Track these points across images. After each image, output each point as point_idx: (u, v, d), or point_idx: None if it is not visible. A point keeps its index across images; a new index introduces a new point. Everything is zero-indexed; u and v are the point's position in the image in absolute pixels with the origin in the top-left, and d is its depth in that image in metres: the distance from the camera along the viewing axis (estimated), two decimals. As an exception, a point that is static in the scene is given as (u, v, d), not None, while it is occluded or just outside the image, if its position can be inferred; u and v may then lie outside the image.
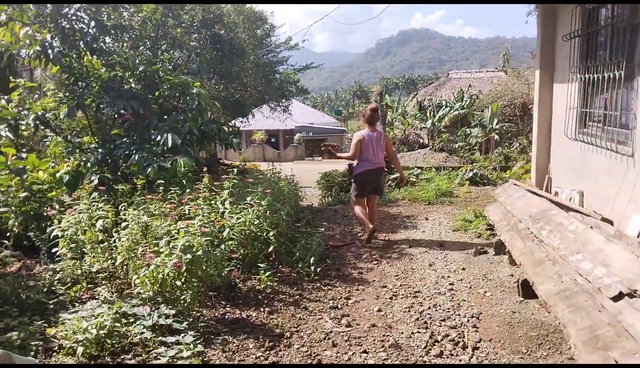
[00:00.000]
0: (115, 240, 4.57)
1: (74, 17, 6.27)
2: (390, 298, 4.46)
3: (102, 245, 4.57)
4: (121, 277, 4.59)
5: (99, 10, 6.60)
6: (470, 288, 4.60)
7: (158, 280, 3.78)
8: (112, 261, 4.65)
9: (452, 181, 10.99)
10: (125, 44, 7.50)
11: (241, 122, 14.45)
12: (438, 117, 22.81)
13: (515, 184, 6.85)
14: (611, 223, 4.30)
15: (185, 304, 3.83)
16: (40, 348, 3.30)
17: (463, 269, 5.13)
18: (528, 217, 5.23)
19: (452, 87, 29.84)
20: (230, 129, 7.56)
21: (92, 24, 6.51)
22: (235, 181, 5.41)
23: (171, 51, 8.24)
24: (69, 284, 4.43)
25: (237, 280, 4.64)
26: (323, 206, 9.16)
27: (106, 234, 4.64)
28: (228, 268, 4.18)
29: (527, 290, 4.04)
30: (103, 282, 4.54)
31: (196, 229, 4.15)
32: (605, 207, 4.78)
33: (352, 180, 6.42)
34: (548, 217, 4.81)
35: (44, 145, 7.33)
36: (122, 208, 4.84)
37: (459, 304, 4.23)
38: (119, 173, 6.17)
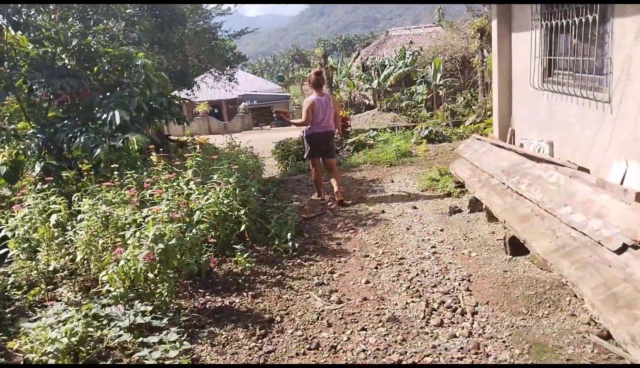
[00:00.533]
0: (72, 234, 4.13)
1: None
2: (375, 267, 4.31)
3: (57, 241, 4.10)
4: (83, 273, 4.17)
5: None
6: (453, 249, 4.53)
7: (130, 276, 3.41)
8: (72, 257, 4.21)
9: (409, 140, 10.95)
10: (52, 16, 6.71)
11: (186, 94, 13.67)
12: (383, 76, 22.74)
13: (478, 139, 6.84)
14: (587, 171, 4.31)
15: (162, 298, 3.50)
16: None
17: (441, 230, 5.06)
18: (500, 171, 5.20)
19: (393, 45, 29.73)
20: (180, 102, 7.03)
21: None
22: (199, 159, 5.00)
23: (104, 21, 7.47)
24: (25, 288, 3.98)
25: (212, 265, 4.33)
26: (284, 177, 8.86)
27: (61, 229, 4.17)
28: (206, 255, 3.86)
29: (515, 247, 4.00)
30: (63, 281, 4.11)
31: (165, 215, 3.78)
32: (579, 155, 4.80)
33: (305, 142, 6.61)
34: (523, 171, 4.79)
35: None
36: (76, 199, 4.36)
37: (446, 268, 4.14)
38: (62, 160, 5.59)
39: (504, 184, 4.92)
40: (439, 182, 6.78)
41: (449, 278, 3.92)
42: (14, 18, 5.82)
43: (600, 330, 2.82)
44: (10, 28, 5.74)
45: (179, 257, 3.63)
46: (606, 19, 4.18)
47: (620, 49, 4.02)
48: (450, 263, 4.23)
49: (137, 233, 3.62)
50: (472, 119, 12.07)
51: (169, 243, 3.49)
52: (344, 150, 10.89)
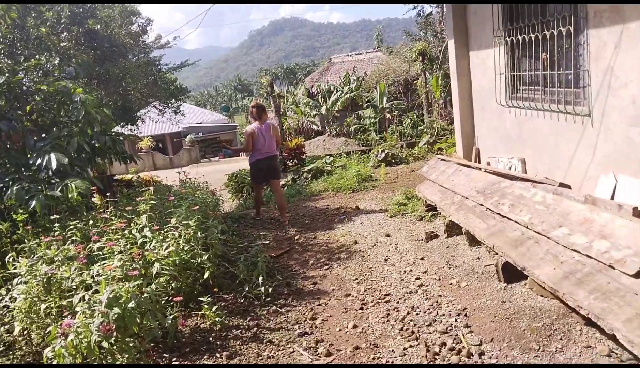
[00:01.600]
0: (8, 301, 3.50)
1: None
2: (360, 308, 3.93)
3: (-13, 312, 3.46)
4: (24, 347, 3.53)
5: None
6: (439, 279, 4.22)
7: (82, 350, 2.85)
8: (8, 329, 3.57)
9: (366, 164, 10.76)
10: (-25, 52, 6.03)
11: (130, 129, 12.93)
12: (331, 102, 22.71)
13: (442, 159, 6.68)
14: (569, 187, 4.16)
15: (122, 373, 2.95)
16: None
17: (422, 259, 4.76)
18: (475, 192, 5.00)
19: (337, 71, 30.02)
20: (125, 138, 6.46)
21: None
22: (153, 202, 4.47)
23: (37, 56, 6.82)
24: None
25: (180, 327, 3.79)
26: (241, 211, 8.36)
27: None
28: (172, 316, 3.34)
29: (509, 275, 3.74)
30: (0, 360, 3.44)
31: (119, 272, 3.25)
32: (558, 171, 4.68)
33: (250, 169, 7.21)
34: (501, 190, 4.59)
35: None
36: (11, 259, 3.72)
37: (437, 301, 3.81)
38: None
39: (481, 205, 4.70)
40: (407, 206, 6.53)
41: (443, 314, 3.59)
42: None
43: (623, 362, 2.56)
44: None
45: (139, 320, 3.10)
46: (579, 30, 4.10)
47: (598, 60, 3.93)
48: (440, 296, 3.91)
49: (87, 297, 3.07)
50: (426, 140, 12.09)
51: (127, 306, 2.97)
52: (302, 178, 10.54)
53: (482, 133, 6.42)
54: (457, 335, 3.28)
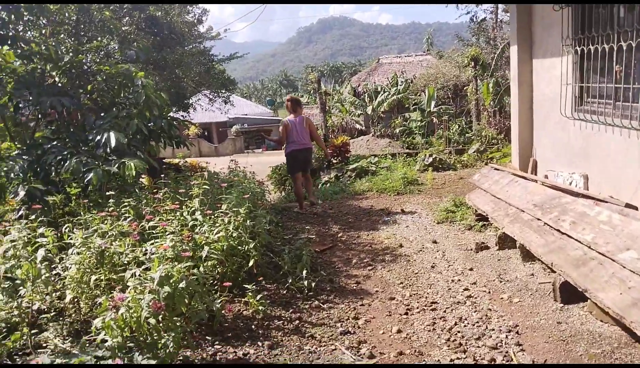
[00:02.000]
0: (61, 270, 3.60)
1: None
2: (405, 313, 3.83)
3: (44, 278, 3.55)
4: (72, 315, 3.63)
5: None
6: (489, 293, 4.07)
7: (131, 325, 2.88)
8: (60, 296, 3.67)
9: (412, 168, 10.59)
10: (44, 31, 6.24)
11: (182, 115, 13.21)
12: (377, 102, 22.54)
13: (496, 169, 6.47)
14: (636, 209, 3.92)
15: (168, 350, 2.96)
16: None
17: (471, 270, 4.61)
18: (532, 206, 4.80)
19: (384, 72, 29.81)
20: (179, 123, 6.56)
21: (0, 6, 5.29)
22: (207, 186, 4.51)
23: (99, 38, 7.02)
24: (5, 332, 3.41)
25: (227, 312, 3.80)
26: (284, 204, 8.37)
27: (48, 263, 3.63)
28: (219, 301, 3.34)
29: (567, 295, 3.56)
30: (49, 324, 3.54)
31: (171, 252, 3.27)
32: (623, 191, 4.42)
33: (286, 159, 7.48)
34: (562, 206, 4.39)
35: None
36: (67, 230, 3.82)
37: (486, 315, 3.67)
38: (50, 184, 5.06)
39: (539, 219, 4.51)
40: (456, 213, 6.36)
41: (493, 329, 3.45)
42: (1, 32, 5.35)
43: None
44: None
45: (187, 301, 3.11)
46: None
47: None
48: (490, 309, 3.76)
49: (139, 274, 3.11)
50: (476, 147, 11.79)
51: (178, 286, 2.98)
52: (346, 177, 10.48)
53: (541, 144, 6.16)
54: (507, 352, 3.14)
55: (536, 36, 6.02)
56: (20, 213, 4.45)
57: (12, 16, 5.44)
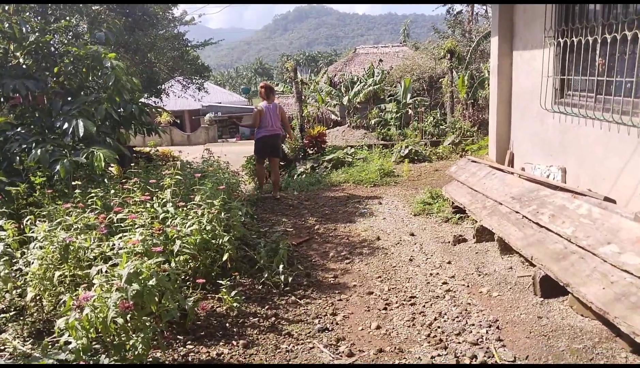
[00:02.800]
0: (22, 266, 3.38)
1: None
2: (384, 308, 3.75)
3: (2, 274, 3.33)
4: (35, 314, 3.42)
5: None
6: (468, 286, 4.03)
7: (97, 325, 2.71)
8: (21, 294, 3.46)
9: (388, 159, 10.54)
10: (6, 7, 5.88)
11: (154, 101, 12.80)
12: (353, 93, 22.41)
13: (473, 161, 6.45)
14: (614, 202, 3.92)
15: (137, 352, 2.81)
16: None
17: (449, 263, 4.56)
18: (510, 198, 4.78)
19: (361, 63, 29.67)
20: (152, 110, 6.32)
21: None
22: (179, 177, 4.32)
23: (67, 18, 6.67)
24: (-42, 334, 3.19)
25: (200, 311, 3.64)
26: (258, 194, 8.20)
27: (8, 258, 3.40)
28: (192, 298, 3.19)
29: (546, 289, 3.53)
30: (9, 324, 3.33)
31: (140, 247, 3.10)
32: (602, 184, 4.43)
33: (255, 144, 7.65)
34: (541, 199, 4.37)
35: None
36: (29, 222, 3.60)
37: (466, 310, 3.62)
38: (13, 173, 4.78)
39: (517, 212, 4.49)
40: (433, 205, 6.32)
41: (473, 324, 3.40)
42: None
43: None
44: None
45: (157, 300, 2.95)
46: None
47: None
48: (470, 304, 3.71)
49: (106, 270, 2.93)
50: (451, 139, 11.82)
51: (148, 283, 2.82)
52: (322, 168, 10.36)
53: (518, 137, 6.16)
54: (488, 348, 3.09)
55: (518, 28, 5.98)
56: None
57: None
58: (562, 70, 5.05)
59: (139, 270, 2.85)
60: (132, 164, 5.45)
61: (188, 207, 4.04)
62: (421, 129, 15.95)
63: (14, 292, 3.48)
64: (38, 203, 4.55)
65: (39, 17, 6.12)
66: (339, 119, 25.41)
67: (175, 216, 3.87)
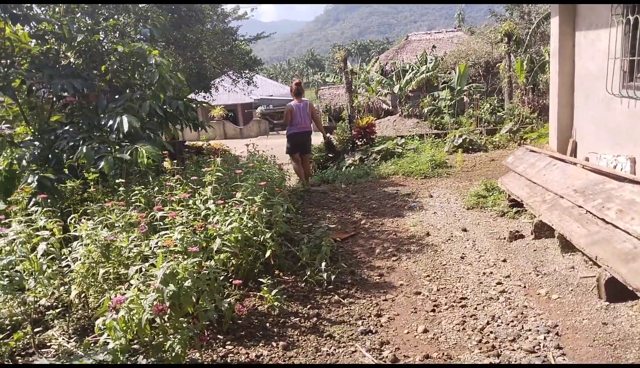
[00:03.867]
0: (69, 263, 3.43)
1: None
2: (432, 310, 3.54)
3: (48, 273, 3.40)
4: (80, 311, 3.47)
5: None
6: (525, 287, 3.73)
7: (132, 327, 2.68)
8: (65, 292, 3.52)
9: (440, 149, 10.15)
10: (57, 9, 6.06)
11: (203, 97, 13.01)
12: (405, 81, 21.89)
13: (531, 150, 6.03)
14: (694, 197, 3.49)
15: (174, 353, 2.76)
16: None
17: (504, 261, 4.26)
18: (573, 191, 4.40)
19: (413, 50, 28.88)
20: (197, 105, 6.34)
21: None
22: (219, 174, 4.27)
23: (115, 17, 6.80)
24: (9, 330, 3.28)
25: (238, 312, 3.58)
26: (306, 187, 8.11)
27: (52, 258, 3.47)
28: (229, 298, 3.12)
29: (612, 292, 3.20)
30: (55, 321, 3.40)
31: (178, 246, 3.06)
32: (679, 177, 3.98)
33: (287, 141, 7.87)
34: (607, 192, 3.98)
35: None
36: (73, 221, 3.65)
37: (522, 313, 3.34)
38: (64, 169, 4.93)
39: (580, 207, 4.11)
40: (487, 199, 5.97)
41: (529, 329, 3.13)
42: (13, 10, 5.18)
43: None
44: (9, 21, 5.11)
45: (195, 300, 2.90)
46: None
47: None
48: (526, 306, 3.43)
49: (144, 271, 2.91)
50: (509, 127, 11.21)
51: (184, 284, 2.76)
52: (370, 159, 10.13)
53: (582, 124, 5.68)
54: (546, 357, 2.82)
55: (580, 8, 5.49)
56: (32, 202, 4.31)
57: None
58: (631, 51, 4.57)
59: (175, 271, 2.80)
60: (177, 159, 5.49)
61: (229, 204, 3.97)
62: (477, 116, 15.32)
63: (61, 289, 3.56)
64: (92, 199, 4.66)
65: (88, 17, 6.26)
66: (391, 108, 24.96)
67: (216, 213, 3.81)
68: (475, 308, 3.49)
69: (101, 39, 5.68)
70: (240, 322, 3.44)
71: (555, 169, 5.05)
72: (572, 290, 3.56)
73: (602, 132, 5.18)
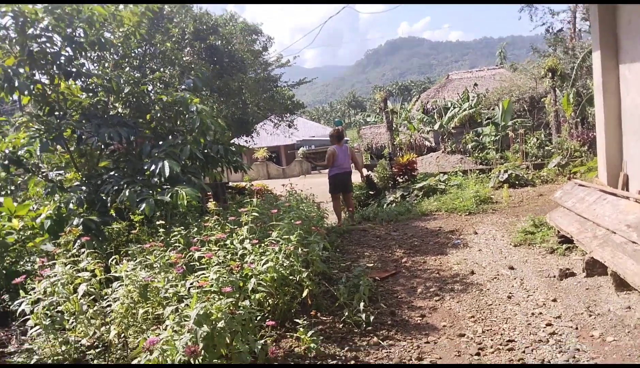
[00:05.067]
0: (106, 303, 3.50)
1: (43, 38, 5.26)
2: (477, 353, 3.34)
3: (90, 313, 3.48)
4: (119, 350, 3.51)
5: (73, 26, 5.59)
6: (577, 329, 3.48)
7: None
8: (107, 331, 3.57)
9: (485, 185, 9.89)
10: (107, 64, 6.47)
11: (245, 140, 13.38)
12: (447, 118, 21.73)
13: (581, 185, 5.77)
14: None
15: (207, 396, 2.72)
16: None
17: (554, 301, 4.01)
18: (625, 226, 4.14)
19: (454, 88, 28.82)
20: (240, 149, 6.51)
21: (65, 43, 5.51)
22: (256, 214, 4.30)
23: (161, 69, 7.18)
24: (51, 368, 3.34)
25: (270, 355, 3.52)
26: (347, 225, 8.04)
27: (93, 298, 3.55)
28: (263, 340, 3.07)
29: (677, 334, 2.92)
30: (95, 361, 3.43)
31: (213, 286, 3.06)
32: None
33: (329, 181, 8.30)
34: (664, 226, 3.71)
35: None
36: (113, 262, 3.75)
37: (574, 357, 3.11)
38: (110, 212, 5.13)
39: (634, 242, 3.85)
40: (536, 235, 5.71)
41: (583, 375, 2.89)
42: (67, 68, 5.57)
43: None
44: (62, 77, 5.49)
45: (228, 341, 2.87)
46: None
47: None
48: (579, 350, 3.19)
49: (179, 311, 2.92)
50: (557, 161, 10.84)
51: (217, 326, 2.75)
52: (412, 196, 9.98)
53: (632, 157, 5.40)
54: (604, 406, 2.59)
55: (623, 40, 5.34)
56: (77, 244, 4.48)
57: (76, 52, 5.65)
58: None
59: (208, 311, 2.80)
60: (219, 200, 5.60)
61: (265, 243, 3.98)
62: (523, 151, 14.93)
63: (102, 329, 3.62)
64: (138, 240, 4.81)
65: (135, 71, 6.63)
66: (433, 145, 24.74)
67: (252, 253, 3.82)
68: (524, 352, 3.27)
69: (149, 90, 5.98)
70: (276, 364, 3.37)
71: (606, 204, 4.79)
72: (628, 331, 3.29)
73: (655, 164, 4.91)
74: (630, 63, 5.25)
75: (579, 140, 12.55)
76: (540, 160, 13.16)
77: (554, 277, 4.50)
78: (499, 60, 52.31)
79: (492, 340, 3.50)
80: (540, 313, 3.82)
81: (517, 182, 9.73)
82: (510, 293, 4.30)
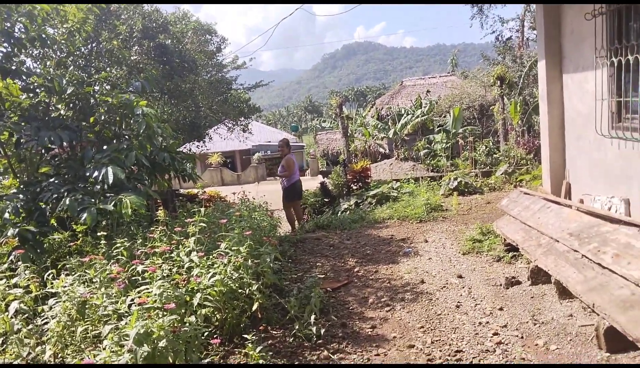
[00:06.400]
0: (43, 321, 3.29)
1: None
2: (426, 365, 3.35)
3: (22, 332, 3.25)
4: (54, 372, 3.29)
5: (11, 20, 5.27)
6: (522, 338, 3.56)
7: (104, 392, 2.52)
8: (41, 351, 3.34)
9: (436, 192, 10.09)
10: (49, 63, 6.14)
11: (197, 146, 13.06)
12: (400, 125, 22.09)
13: (526, 193, 5.95)
14: (692, 239, 3.38)
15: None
16: None
17: (500, 309, 4.09)
18: (568, 235, 4.29)
19: (408, 95, 29.38)
20: (191, 156, 6.31)
21: (3, 39, 5.19)
22: (203, 224, 4.17)
23: (108, 69, 6.88)
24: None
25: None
26: (300, 234, 7.98)
27: (26, 316, 3.32)
28: (208, 360, 2.95)
29: (613, 342, 3.03)
30: (28, 384, 3.21)
31: (156, 302, 2.92)
32: (676, 218, 3.89)
33: (290, 189, 8.50)
34: (602, 236, 3.87)
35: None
36: (50, 277, 3.53)
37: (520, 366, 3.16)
38: (51, 221, 4.84)
39: (576, 251, 3.99)
40: (483, 243, 5.84)
41: (528, 385, 2.95)
42: (4, 65, 5.24)
43: None
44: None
45: (171, 360, 2.74)
46: None
47: None
48: (524, 359, 3.26)
49: (118, 329, 2.76)
50: (504, 169, 11.19)
51: (159, 345, 2.61)
52: (366, 203, 10.04)
53: (575, 166, 5.63)
54: (547, 416, 2.64)
55: (566, 50, 5.56)
56: (11, 257, 4.19)
57: (15, 48, 5.33)
58: (617, 92, 4.57)
59: (149, 330, 2.66)
60: (168, 208, 5.40)
61: (213, 255, 3.85)
62: (472, 158, 15.36)
63: (37, 349, 3.39)
64: (81, 251, 4.55)
65: (80, 70, 6.32)
66: (387, 151, 25.12)
67: (198, 266, 3.69)
68: (471, 362, 3.31)
69: (95, 91, 5.70)
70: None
71: (550, 212, 4.95)
72: (571, 339, 3.39)
73: (595, 173, 5.12)
74: (572, 72, 5.46)
75: (525, 148, 13.02)
76: (488, 167, 13.56)
77: (501, 285, 4.61)
78: (450, 68, 53.76)
79: (440, 351, 3.52)
80: (487, 322, 3.89)
81: (466, 190, 9.97)
82: (458, 302, 4.36)
